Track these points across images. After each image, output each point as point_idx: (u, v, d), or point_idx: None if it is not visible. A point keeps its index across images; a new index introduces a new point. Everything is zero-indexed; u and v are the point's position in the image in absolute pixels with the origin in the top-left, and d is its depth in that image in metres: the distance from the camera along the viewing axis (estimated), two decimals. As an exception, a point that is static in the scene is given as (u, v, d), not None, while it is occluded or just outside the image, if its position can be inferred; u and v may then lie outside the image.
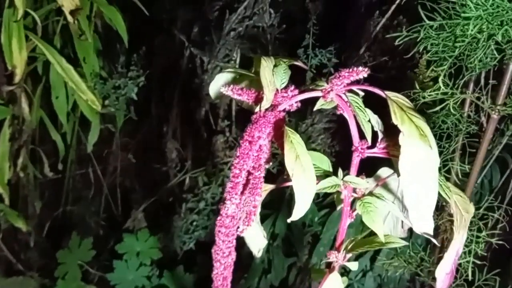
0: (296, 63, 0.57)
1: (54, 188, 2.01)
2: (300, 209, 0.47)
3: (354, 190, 0.55)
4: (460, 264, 0.96)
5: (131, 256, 1.80)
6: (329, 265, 0.57)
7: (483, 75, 0.98)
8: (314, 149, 1.57)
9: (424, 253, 1.08)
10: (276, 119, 0.50)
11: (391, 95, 0.50)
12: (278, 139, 0.51)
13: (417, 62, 0.98)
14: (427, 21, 0.83)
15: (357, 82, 0.51)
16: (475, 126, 0.99)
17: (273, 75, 0.52)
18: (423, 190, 0.46)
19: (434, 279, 0.54)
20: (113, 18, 1.66)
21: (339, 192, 0.55)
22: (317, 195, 1.44)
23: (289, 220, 0.47)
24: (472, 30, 0.77)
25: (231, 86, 0.53)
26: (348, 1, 1.80)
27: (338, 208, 0.58)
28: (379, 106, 0.53)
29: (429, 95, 0.90)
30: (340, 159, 0.58)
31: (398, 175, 0.47)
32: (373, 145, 0.54)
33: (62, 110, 1.74)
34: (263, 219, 1.54)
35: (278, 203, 1.58)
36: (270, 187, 0.56)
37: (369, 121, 0.53)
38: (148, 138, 2.09)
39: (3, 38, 1.52)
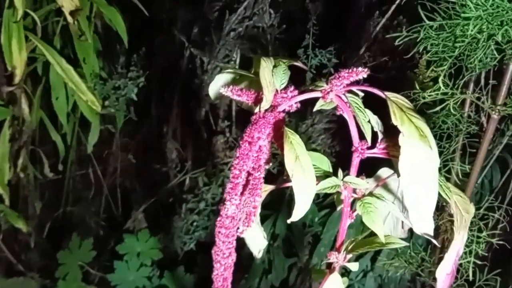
0: (295, 63, 0.57)
1: (54, 189, 2.01)
2: (300, 209, 0.47)
3: (354, 191, 0.55)
4: (460, 264, 0.96)
5: (132, 257, 1.80)
6: (329, 266, 0.57)
7: (483, 75, 0.98)
8: (314, 150, 1.57)
9: (425, 253, 1.08)
10: (276, 120, 0.50)
11: (391, 95, 0.50)
12: (278, 139, 0.51)
13: (417, 62, 0.98)
14: (427, 21, 0.83)
15: (356, 82, 0.51)
16: (475, 126, 0.99)
17: (272, 75, 0.52)
18: (423, 190, 0.46)
19: (434, 279, 0.54)
20: (113, 18, 1.66)
21: (339, 193, 0.55)
22: (318, 195, 1.44)
23: (289, 221, 0.47)
24: (472, 30, 0.77)
25: (231, 86, 0.52)
26: (348, 1, 1.80)
27: (338, 208, 0.57)
28: (379, 107, 0.53)
29: (429, 95, 0.90)
30: (340, 160, 0.58)
31: (398, 175, 0.47)
32: (373, 146, 0.54)
33: (62, 110, 1.74)
34: (263, 220, 1.54)
35: (278, 203, 1.58)
36: (270, 187, 0.55)
37: (369, 121, 0.53)
38: (148, 139, 2.09)
39: (3, 39, 1.52)
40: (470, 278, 0.97)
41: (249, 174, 0.49)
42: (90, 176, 2.06)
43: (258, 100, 0.52)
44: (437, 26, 0.83)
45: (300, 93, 0.52)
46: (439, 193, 0.48)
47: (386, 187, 0.59)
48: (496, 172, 1.29)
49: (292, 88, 0.52)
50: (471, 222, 0.69)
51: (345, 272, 0.73)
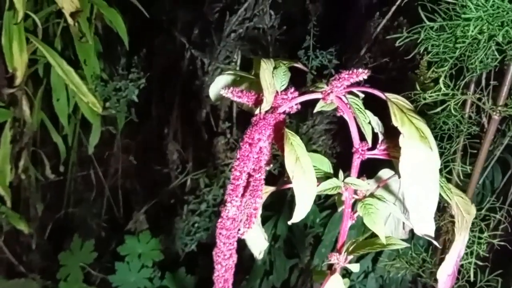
0: (296, 65, 0.57)
1: (56, 190, 2.01)
2: (301, 211, 0.47)
3: (355, 192, 0.55)
4: (462, 265, 0.96)
5: (133, 258, 1.80)
6: (330, 267, 0.57)
7: (484, 76, 0.98)
8: (315, 151, 1.57)
9: (426, 254, 1.08)
10: (276, 121, 0.50)
11: (391, 96, 0.50)
12: (278, 141, 0.51)
13: (417, 63, 0.98)
14: (428, 22, 0.83)
15: (357, 83, 0.51)
16: (476, 127, 0.99)
17: (273, 77, 0.52)
18: (424, 192, 0.46)
19: (436, 280, 0.54)
20: (113, 20, 1.67)
21: (340, 194, 0.55)
22: (319, 196, 1.43)
23: (290, 222, 0.47)
24: (472, 31, 0.77)
25: (231, 88, 0.52)
26: (349, 2, 1.80)
27: (340, 209, 0.57)
28: (379, 108, 0.53)
29: (430, 96, 0.90)
30: (341, 161, 0.58)
31: (399, 176, 0.47)
32: (373, 147, 0.54)
33: (63, 112, 1.75)
34: (264, 221, 1.54)
35: (279, 204, 1.58)
36: (271, 189, 0.55)
37: (369, 122, 0.53)
38: (149, 140, 2.09)
39: (3, 41, 1.52)
40: (471, 279, 0.97)
41: (249, 175, 0.49)
42: (91, 178, 2.06)
43: (258, 102, 0.52)
44: (438, 27, 0.83)
45: (301, 94, 0.52)
46: (440, 194, 0.48)
47: (387, 188, 0.59)
48: (497, 173, 1.29)
49: (292, 89, 0.52)
50: (472, 223, 0.69)
51: (346, 273, 0.73)
